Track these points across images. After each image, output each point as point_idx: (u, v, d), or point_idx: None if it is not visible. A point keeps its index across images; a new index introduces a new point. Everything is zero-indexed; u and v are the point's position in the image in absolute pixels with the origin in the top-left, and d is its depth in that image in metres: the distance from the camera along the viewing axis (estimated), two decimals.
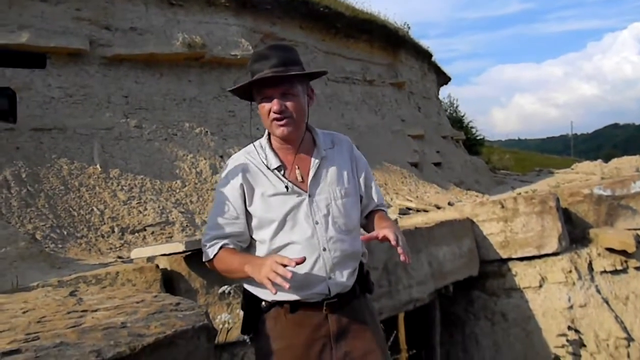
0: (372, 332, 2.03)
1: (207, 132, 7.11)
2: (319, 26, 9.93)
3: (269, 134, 2.01)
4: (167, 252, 3.14)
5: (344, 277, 1.95)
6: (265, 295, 1.95)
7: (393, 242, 1.82)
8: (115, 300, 1.81)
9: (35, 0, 6.16)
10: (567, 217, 6.75)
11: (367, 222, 2.12)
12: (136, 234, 5.28)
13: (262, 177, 1.94)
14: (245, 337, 2.06)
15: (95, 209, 5.35)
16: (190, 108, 7.19)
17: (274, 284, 1.69)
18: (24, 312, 1.69)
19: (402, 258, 1.84)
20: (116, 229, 5.21)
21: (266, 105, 1.90)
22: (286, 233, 1.90)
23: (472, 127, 19.50)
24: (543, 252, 6.22)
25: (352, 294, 2.00)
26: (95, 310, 1.65)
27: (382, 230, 1.87)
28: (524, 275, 6.21)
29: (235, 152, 2.10)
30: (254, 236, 1.97)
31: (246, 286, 2.02)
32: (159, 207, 5.74)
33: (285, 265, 1.69)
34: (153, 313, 1.59)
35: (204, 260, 1.99)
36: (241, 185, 1.93)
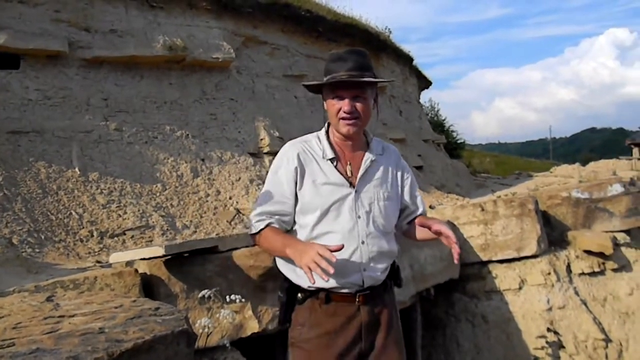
0: (395, 325, 2.17)
1: (188, 135, 7.06)
2: (301, 30, 9.93)
3: (327, 127, 2.15)
4: (147, 257, 3.11)
5: (377, 272, 2.08)
6: (304, 281, 2.04)
7: (453, 239, 2.01)
8: (93, 305, 1.79)
9: (14, 1, 6.08)
10: (546, 220, 6.83)
11: (410, 227, 2.24)
12: (115, 238, 5.22)
13: (315, 165, 2.06)
14: (226, 341, 2.09)
15: (73, 213, 5.29)
16: (171, 111, 7.14)
17: (313, 273, 1.81)
18: None
19: (455, 257, 2.01)
20: (95, 233, 5.15)
21: (337, 104, 2.03)
22: (329, 221, 2.02)
23: (453, 131, 19.63)
24: (522, 254, 6.28)
25: (384, 287, 2.13)
26: (73, 316, 1.63)
27: (436, 223, 2.06)
28: (503, 278, 6.26)
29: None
30: (296, 219, 2.08)
31: (286, 273, 2.12)
32: (138, 210, 5.69)
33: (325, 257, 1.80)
34: (132, 318, 1.57)
35: (249, 233, 2.12)
36: (295, 168, 2.05)
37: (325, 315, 2.03)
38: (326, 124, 2.16)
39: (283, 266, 2.13)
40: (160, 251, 3.02)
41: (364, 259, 2.03)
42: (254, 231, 2.08)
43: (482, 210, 6.37)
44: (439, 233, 2.04)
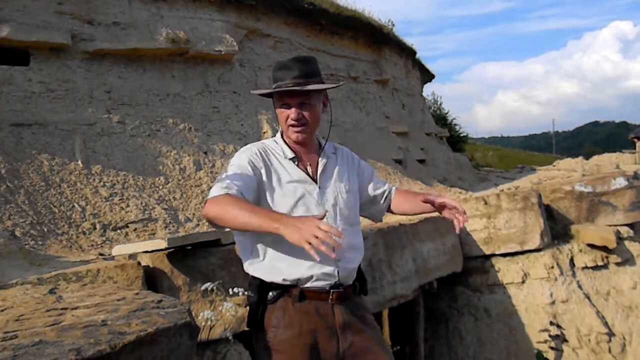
0: (373, 329, 2.18)
1: (190, 128, 7.06)
2: (304, 22, 9.90)
3: (281, 132, 2.20)
4: (150, 249, 3.11)
5: (350, 265, 2.12)
6: (275, 277, 2.03)
7: (459, 208, 2.11)
8: (96, 297, 1.79)
9: None
10: (549, 214, 6.81)
11: (397, 203, 2.36)
12: (118, 231, 5.23)
13: (278, 164, 2.10)
14: (228, 334, 2.08)
15: (76, 206, 5.29)
16: (173, 104, 7.14)
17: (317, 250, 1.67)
18: (2, 310, 1.67)
19: (460, 226, 2.12)
20: (98, 226, 5.16)
21: (284, 112, 2.09)
22: (300, 215, 2.01)
23: (455, 125, 19.61)
24: (525, 248, 6.27)
25: (353, 289, 2.15)
26: (75, 308, 1.63)
27: (438, 197, 2.19)
28: (506, 271, 6.25)
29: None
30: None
31: (254, 274, 2.08)
32: (141, 203, 5.69)
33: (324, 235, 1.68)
34: (134, 311, 1.57)
35: (207, 198, 1.93)
36: (260, 163, 2.05)
37: (299, 314, 2.01)
38: (280, 129, 2.22)
39: (251, 265, 2.09)
40: (163, 244, 3.02)
41: (337, 250, 1.98)
42: (213, 195, 1.90)
43: (485, 203, 6.36)
44: (442, 206, 2.15)
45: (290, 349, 1.99)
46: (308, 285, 2.02)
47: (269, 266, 2.03)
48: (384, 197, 2.36)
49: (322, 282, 2.03)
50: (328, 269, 2.03)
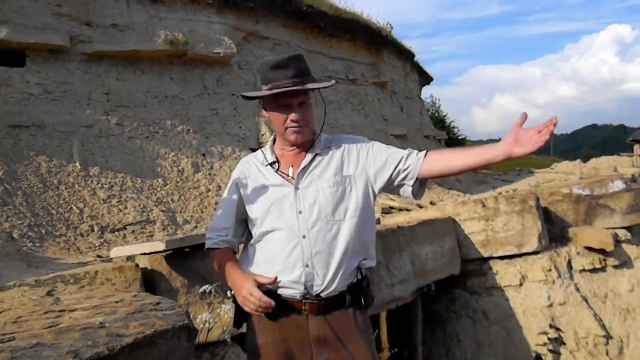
0: (362, 351, 2.00)
1: (189, 130, 7.05)
2: (302, 25, 9.91)
3: (274, 137, 2.16)
4: (148, 251, 3.10)
5: (324, 269, 1.96)
6: None
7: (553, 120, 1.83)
8: (94, 299, 1.78)
9: None
10: (547, 216, 6.81)
11: (434, 160, 2.05)
12: (116, 233, 5.22)
13: (256, 171, 2.12)
14: (227, 336, 2.09)
15: (74, 208, 5.28)
16: (172, 106, 7.13)
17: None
18: None
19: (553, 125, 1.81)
20: (96, 228, 5.15)
21: (283, 113, 2.01)
22: (271, 220, 2.02)
23: (453, 127, 19.70)
24: (523, 250, 6.27)
25: (340, 302, 1.99)
26: (73, 310, 1.62)
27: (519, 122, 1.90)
28: (504, 274, 6.25)
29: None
30: (250, 219, 2.11)
31: None
32: (139, 205, 5.69)
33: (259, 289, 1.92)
34: (132, 313, 1.57)
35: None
36: (237, 184, 2.13)
37: (272, 322, 1.98)
38: (273, 134, 2.17)
39: None
40: (161, 246, 3.01)
41: (305, 254, 1.95)
42: (208, 245, 2.15)
43: (483, 206, 6.36)
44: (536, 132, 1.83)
45: (264, 354, 1.98)
46: (279, 292, 1.97)
47: (246, 272, 2.03)
48: (405, 166, 2.04)
49: (290, 291, 1.96)
50: (294, 275, 1.95)
